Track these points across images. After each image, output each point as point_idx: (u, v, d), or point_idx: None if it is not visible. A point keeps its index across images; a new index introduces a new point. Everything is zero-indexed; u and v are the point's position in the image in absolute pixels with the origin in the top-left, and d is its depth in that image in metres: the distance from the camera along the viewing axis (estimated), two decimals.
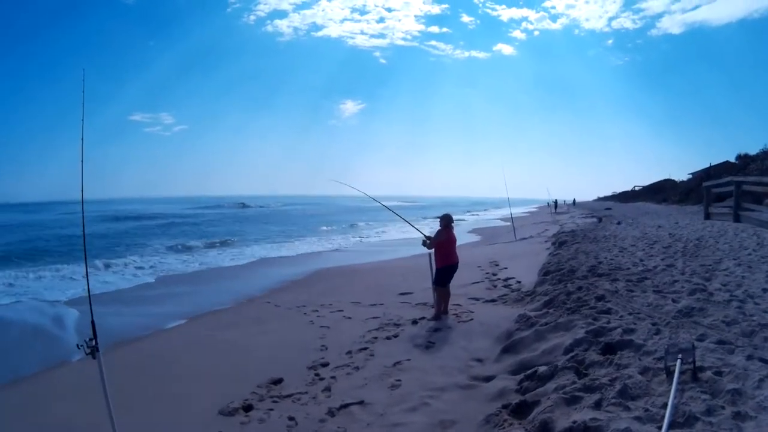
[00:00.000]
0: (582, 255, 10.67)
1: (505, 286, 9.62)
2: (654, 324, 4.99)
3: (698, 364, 3.64)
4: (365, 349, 6.25)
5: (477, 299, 8.57)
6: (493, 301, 8.41)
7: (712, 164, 41.74)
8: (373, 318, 7.83)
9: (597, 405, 3.38)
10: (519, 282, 9.82)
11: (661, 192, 52.63)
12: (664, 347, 4.01)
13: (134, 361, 6.60)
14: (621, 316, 5.48)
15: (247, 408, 4.70)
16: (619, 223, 20.54)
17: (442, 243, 7.61)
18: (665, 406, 3.12)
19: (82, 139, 3.77)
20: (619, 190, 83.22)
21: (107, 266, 16.10)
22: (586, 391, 3.69)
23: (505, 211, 54.81)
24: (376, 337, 6.73)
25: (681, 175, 65.93)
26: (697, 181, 40.34)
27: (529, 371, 4.57)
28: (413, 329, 7.00)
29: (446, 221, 7.72)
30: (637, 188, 71.80)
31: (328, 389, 5.02)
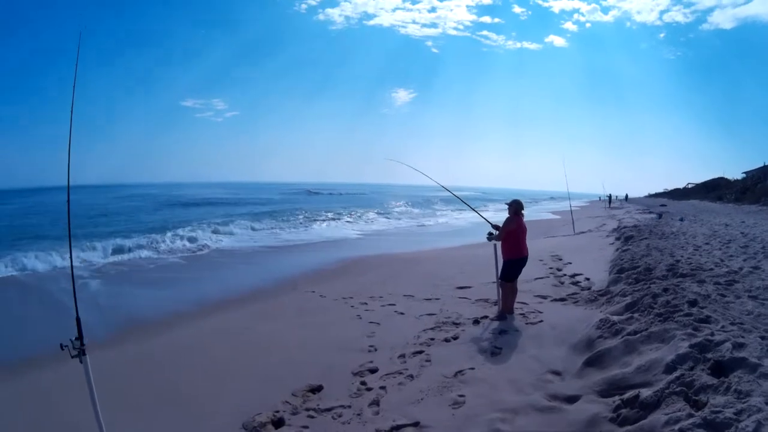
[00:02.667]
0: (656, 252, 9.59)
1: (573, 284, 8.68)
2: (763, 338, 4.14)
3: None
4: (420, 352, 5.52)
5: (544, 297, 7.69)
6: (562, 300, 7.51)
7: (767, 163, 40.23)
8: (429, 315, 7.09)
9: None
10: (588, 279, 8.86)
11: (715, 190, 52.24)
12: None
13: (153, 352, 6.20)
14: (723, 327, 4.58)
15: (278, 423, 4.05)
16: (681, 220, 19.44)
17: (513, 232, 6.75)
18: None
19: (72, 110, 3.15)
20: (670, 187, 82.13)
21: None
22: (708, 428, 2.87)
23: (553, 205, 53.67)
24: (432, 338, 5.99)
25: (734, 173, 63.60)
26: (753, 179, 40.91)
27: (626, 395, 3.73)
28: (475, 330, 6.21)
29: (516, 207, 6.85)
30: (690, 185, 70.45)
31: (376, 403, 4.34)
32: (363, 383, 4.79)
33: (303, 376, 5.02)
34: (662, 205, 39.64)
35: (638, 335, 4.62)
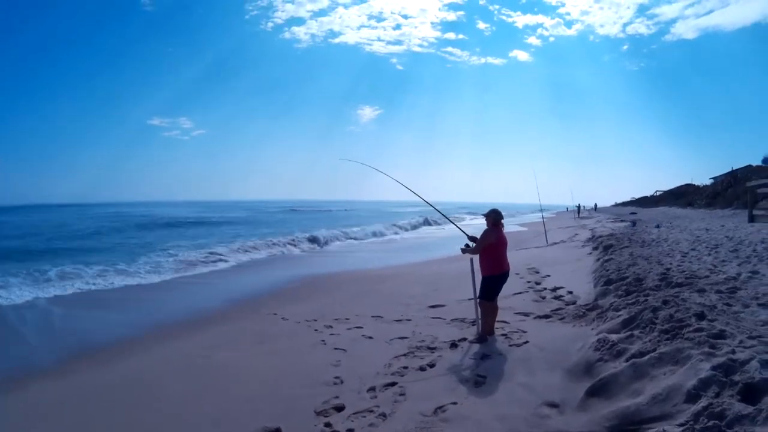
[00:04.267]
0: (642, 261, 9.04)
1: (555, 298, 8.05)
2: None
3: None
4: (393, 384, 4.73)
5: (526, 315, 7.01)
6: (546, 317, 6.84)
7: (734, 168, 41.29)
8: (400, 338, 6.32)
9: None
10: (571, 292, 8.24)
11: (683, 197, 52.77)
12: None
13: (96, 386, 5.50)
14: (742, 342, 3.94)
15: None
16: (658, 227, 19.21)
17: (492, 246, 6.01)
18: None
19: None
20: (637, 195, 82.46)
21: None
22: None
23: (520, 218, 53.81)
24: (406, 367, 5.21)
25: (701, 179, 64.95)
26: (723, 184, 41.09)
27: None
28: (453, 355, 5.47)
29: (495, 218, 6.11)
30: (658, 193, 70.89)
31: None
32: (327, 425, 3.98)
33: (260, 416, 4.24)
34: (632, 213, 39.75)
35: (647, 357, 3.94)
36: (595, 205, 69.77)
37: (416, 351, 5.72)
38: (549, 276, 10.12)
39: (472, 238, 6.26)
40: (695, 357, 3.66)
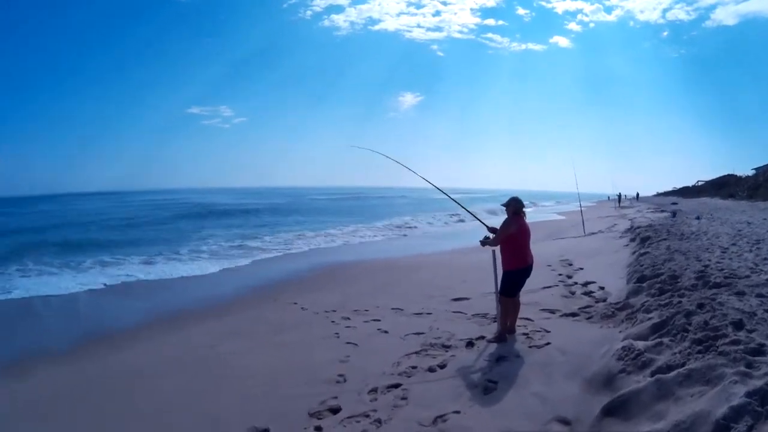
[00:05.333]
0: (679, 255, 8.35)
1: (585, 294, 7.54)
2: None
3: None
4: (397, 386, 4.45)
5: (552, 312, 6.56)
6: (573, 315, 6.38)
7: None
8: (416, 334, 6.01)
9: None
10: (602, 288, 7.70)
11: (725, 187, 51.22)
12: None
13: (101, 374, 5.58)
14: None
15: None
16: (698, 218, 18.13)
17: (513, 237, 5.53)
18: None
19: None
20: (678, 185, 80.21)
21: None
22: None
23: (559, 207, 52.23)
24: (414, 366, 4.91)
25: (743, 170, 61.82)
26: (765, 175, 40.51)
27: None
28: (467, 355, 5.12)
29: (515, 207, 5.60)
30: (700, 183, 68.80)
31: None
32: (318, 429, 3.75)
33: (251, 414, 4.08)
34: (674, 203, 38.33)
35: (674, 373, 3.50)
36: (637, 194, 67.21)
37: (429, 349, 5.40)
38: (582, 269, 9.55)
39: (492, 230, 5.84)
40: (729, 377, 3.20)
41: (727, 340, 3.85)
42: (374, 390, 4.39)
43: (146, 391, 4.89)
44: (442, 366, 4.86)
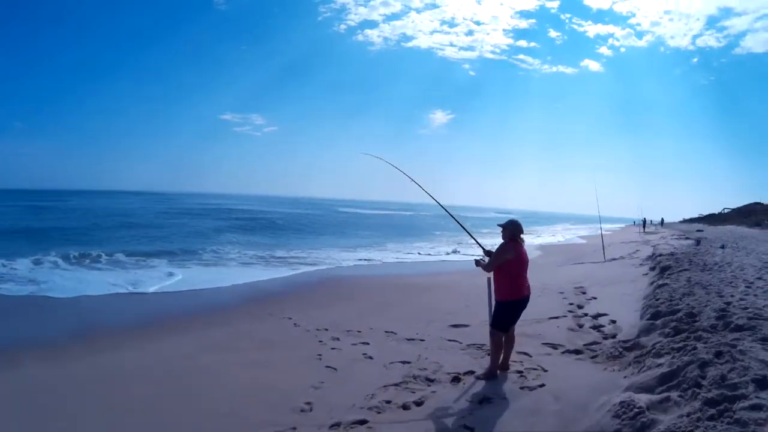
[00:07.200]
0: (699, 289, 7.56)
1: (594, 327, 6.91)
2: None
3: None
4: (362, 423, 3.98)
5: (554, 347, 5.97)
6: (577, 352, 5.77)
7: None
8: (402, 362, 5.53)
9: None
10: (614, 322, 7.05)
11: (751, 215, 51.43)
12: None
13: (79, 374, 5.47)
14: None
15: None
16: (723, 248, 16.97)
17: (509, 265, 4.98)
18: None
19: None
20: (705, 212, 77.90)
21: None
22: None
23: (581, 231, 51.11)
24: (389, 401, 4.42)
25: None
26: None
27: None
28: (449, 393, 4.60)
29: (513, 231, 5.05)
30: (726, 210, 68.07)
31: None
32: None
33: None
34: (699, 231, 36.96)
35: None
36: (662, 220, 65.16)
37: (411, 381, 4.91)
38: (595, 299, 8.90)
39: (488, 253, 5.33)
40: None
41: (746, 403, 3.26)
42: (336, 425, 3.94)
43: (107, 396, 4.77)
44: (419, 403, 4.36)
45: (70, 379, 5.28)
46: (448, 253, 21.84)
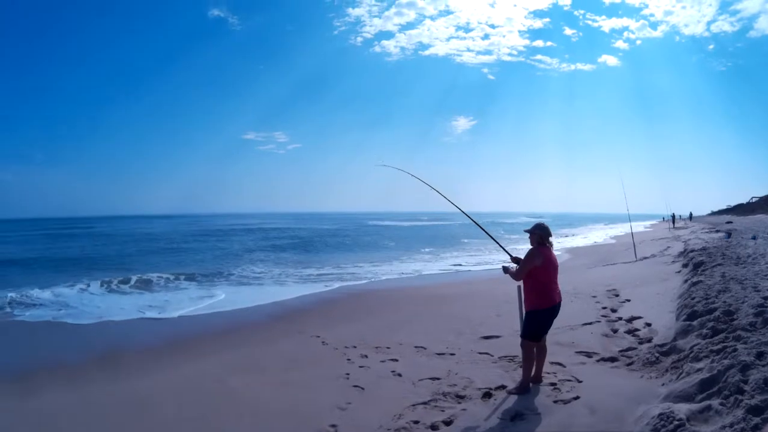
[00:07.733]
0: (735, 284, 7.16)
1: (629, 332, 6.63)
2: None
3: None
4: None
5: (589, 355, 5.74)
6: (612, 359, 5.52)
7: None
8: (431, 379, 5.37)
9: None
10: (649, 325, 6.76)
11: None
12: None
13: (99, 399, 5.50)
14: None
15: None
16: (754, 239, 16.41)
17: (538, 271, 4.75)
18: None
19: None
20: (732, 202, 77.44)
21: None
22: None
23: (614, 230, 50.05)
24: (417, 421, 4.29)
25: None
26: None
27: None
28: (480, 410, 4.43)
29: (541, 235, 4.86)
30: (754, 199, 67.31)
31: None
32: None
33: None
34: (728, 222, 36.24)
35: None
36: (690, 214, 63.20)
37: (440, 399, 4.76)
38: (628, 301, 8.59)
39: (515, 260, 5.16)
40: None
41: None
42: None
43: (136, 420, 4.86)
44: (448, 422, 4.22)
45: (91, 404, 5.38)
46: (475, 263, 21.50)
